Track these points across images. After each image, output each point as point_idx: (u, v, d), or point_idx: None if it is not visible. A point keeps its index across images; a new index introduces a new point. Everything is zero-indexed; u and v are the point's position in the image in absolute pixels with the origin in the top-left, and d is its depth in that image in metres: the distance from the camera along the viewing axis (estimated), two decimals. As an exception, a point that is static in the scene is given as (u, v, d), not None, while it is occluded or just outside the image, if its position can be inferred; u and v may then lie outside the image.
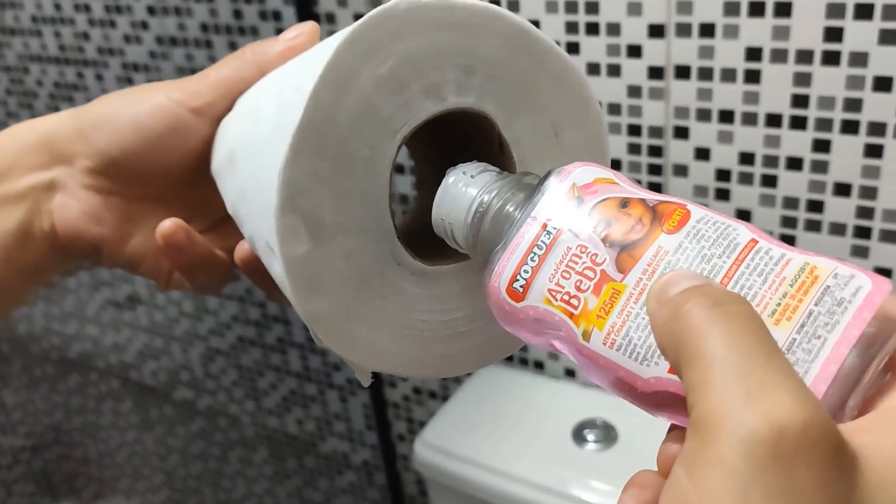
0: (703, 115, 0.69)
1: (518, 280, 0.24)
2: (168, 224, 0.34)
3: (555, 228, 0.24)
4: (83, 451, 1.70)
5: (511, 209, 0.26)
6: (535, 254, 0.24)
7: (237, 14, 0.93)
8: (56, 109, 1.21)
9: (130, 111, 0.35)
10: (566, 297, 0.24)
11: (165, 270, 0.38)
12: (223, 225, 0.38)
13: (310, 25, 0.35)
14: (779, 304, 0.21)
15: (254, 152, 0.30)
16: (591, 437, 0.81)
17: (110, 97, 0.36)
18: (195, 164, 0.36)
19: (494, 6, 0.30)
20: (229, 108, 0.35)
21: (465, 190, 0.27)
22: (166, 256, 0.35)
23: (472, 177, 0.27)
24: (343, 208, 0.28)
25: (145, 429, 1.53)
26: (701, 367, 0.19)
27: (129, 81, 1.09)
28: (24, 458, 1.77)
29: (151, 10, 1.00)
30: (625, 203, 0.24)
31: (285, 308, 1.10)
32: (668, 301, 0.20)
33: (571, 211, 0.24)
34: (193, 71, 0.99)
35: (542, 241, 0.24)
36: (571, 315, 0.24)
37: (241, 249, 0.34)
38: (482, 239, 0.27)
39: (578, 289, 0.23)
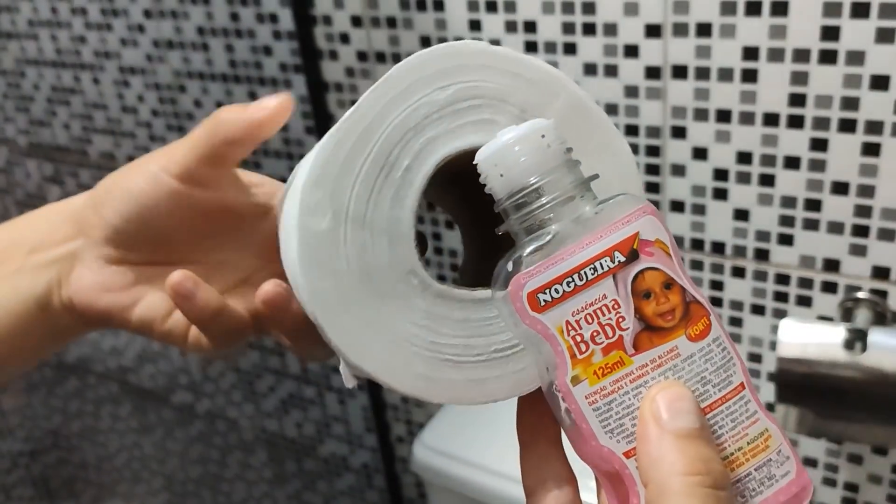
0: (701, 115, 0.69)
1: (544, 294, 0.25)
2: (176, 274, 0.35)
3: (601, 268, 0.25)
4: (81, 455, 1.69)
5: (564, 215, 0.25)
6: (572, 280, 0.25)
7: (234, 17, 0.93)
8: (53, 114, 1.21)
9: (126, 183, 0.37)
10: (578, 339, 0.25)
11: (180, 331, 0.39)
12: (241, 287, 0.40)
13: (276, 101, 0.35)
14: (732, 454, 0.24)
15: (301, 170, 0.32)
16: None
17: (116, 172, 0.39)
18: (201, 228, 0.38)
19: (561, 73, 0.32)
20: (210, 173, 0.37)
21: (533, 158, 0.26)
22: (177, 307, 0.36)
23: (548, 145, 0.26)
24: (371, 204, 0.30)
25: (144, 432, 1.53)
26: None
27: (126, 84, 1.09)
28: (22, 462, 1.77)
29: (148, 14, 1.00)
30: (669, 284, 0.25)
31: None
32: (670, 440, 0.23)
33: (623, 262, 0.25)
34: (190, 74, 1.00)
35: (584, 272, 0.25)
36: (574, 356, 0.25)
37: (264, 289, 0.35)
38: (523, 216, 0.26)
39: (593, 339, 0.25)
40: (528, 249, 0.25)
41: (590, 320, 0.25)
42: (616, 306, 0.25)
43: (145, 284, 0.39)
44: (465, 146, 0.31)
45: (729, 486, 0.24)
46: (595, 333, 0.25)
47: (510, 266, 0.25)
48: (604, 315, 0.25)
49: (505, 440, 0.83)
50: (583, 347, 0.25)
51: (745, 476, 0.24)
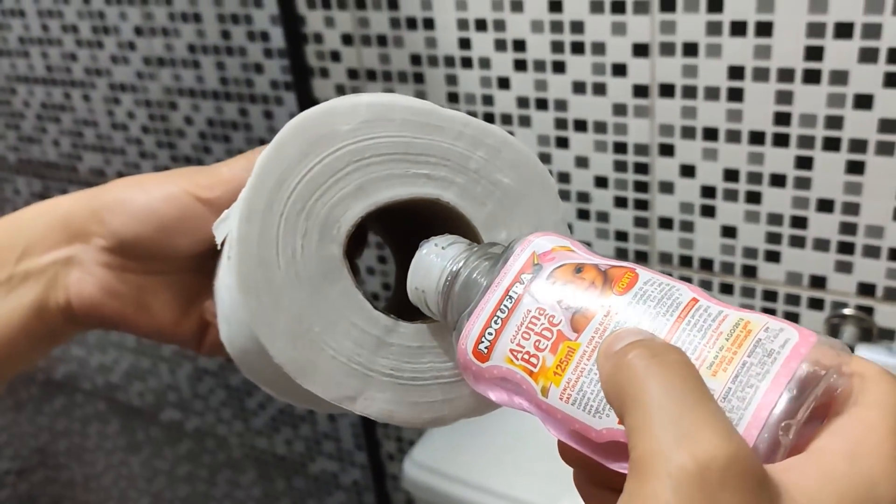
0: (688, 133, 0.70)
1: (483, 342, 0.27)
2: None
3: (516, 293, 0.26)
4: (69, 473, 1.68)
5: (477, 277, 0.28)
6: (498, 317, 0.26)
7: (225, 34, 0.93)
8: (43, 130, 1.21)
9: (144, 198, 0.37)
10: (526, 357, 0.26)
11: (189, 336, 0.40)
12: None
13: None
14: (716, 357, 0.23)
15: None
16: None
17: (126, 181, 0.38)
18: (208, 245, 0.38)
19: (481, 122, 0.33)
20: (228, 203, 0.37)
21: (436, 260, 0.30)
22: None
23: (442, 248, 0.30)
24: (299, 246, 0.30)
25: (132, 451, 1.52)
26: (639, 412, 0.21)
27: (116, 102, 1.09)
28: (9, 481, 1.75)
29: (139, 31, 1.01)
30: (579, 268, 0.26)
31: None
32: (613, 354, 0.23)
33: (531, 277, 0.27)
34: (181, 91, 1.00)
35: (504, 306, 0.26)
36: (531, 373, 0.25)
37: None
38: (452, 305, 0.29)
39: (537, 348, 0.25)
40: (461, 322, 0.28)
41: (527, 336, 0.26)
42: (542, 312, 0.26)
43: (151, 292, 0.39)
44: (389, 200, 0.31)
45: (678, 351, 0.22)
46: (537, 342, 0.26)
47: (453, 340, 0.28)
48: (536, 324, 0.26)
49: (496, 458, 0.83)
50: (534, 361, 0.25)
51: (741, 368, 0.22)
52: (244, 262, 0.29)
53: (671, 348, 0.22)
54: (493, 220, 0.33)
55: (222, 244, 0.33)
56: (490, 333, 0.26)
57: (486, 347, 0.26)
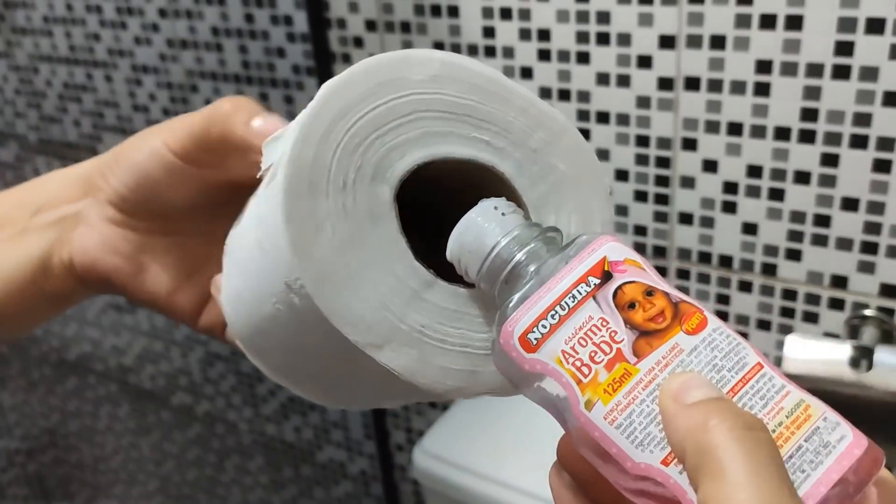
0: (712, 127, 0.69)
1: (534, 332, 0.25)
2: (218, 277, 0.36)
3: (580, 294, 0.25)
4: (78, 455, 1.69)
5: (532, 260, 0.27)
6: (556, 312, 0.25)
7: (248, 18, 0.93)
8: (64, 111, 1.21)
9: (134, 154, 0.37)
10: (578, 364, 0.25)
11: (186, 309, 0.40)
12: None
13: (280, 124, 0.35)
14: (773, 431, 0.23)
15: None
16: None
17: (127, 140, 0.39)
18: (201, 202, 0.38)
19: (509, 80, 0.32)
20: (209, 158, 0.36)
21: (491, 228, 0.28)
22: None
23: (502, 214, 0.28)
24: (350, 181, 0.29)
25: (141, 434, 1.52)
26: (724, 484, 0.20)
27: (138, 83, 1.10)
28: (18, 461, 1.76)
29: (163, 13, 1.01)
30: (650, 292, 0.25)
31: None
32: (691, 407, 0.22)
33: (599, 283, 0.26)
34: (203, 74, 1.00)
35: (565, 303, 0.25)
36: (579, 382, 0.25)
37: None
38: (499, 279, 0.28)
39: (592, 359, 0.25)
40: (509, 303, 0.26)
41: (584, 343, 0.25)
42: (605, 323, 0.25)
43: (150, 254, 0.39)
44: (447, 155, 0.31)
45: (768, 430, 0.22)
46: (593, 353, 0.25)
47: (497, 324, 0.27)
48: (596, 335, 0.25)
49: (506, 448, 0.83)
50: (585, 371, 0.25)
51: (796, 450, 0.22)
52: (292, 184, 0.28)
53: (759, 423, 0.22)
54: (544, 202, 0.32)
55: (262, 175, 0.32)
56: (544, 326, 0.25)
57: (535, 339, 0.25)
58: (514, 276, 0.28)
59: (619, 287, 0.26)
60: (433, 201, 0.34)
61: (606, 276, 0.26)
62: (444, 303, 0.30)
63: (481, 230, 0.28)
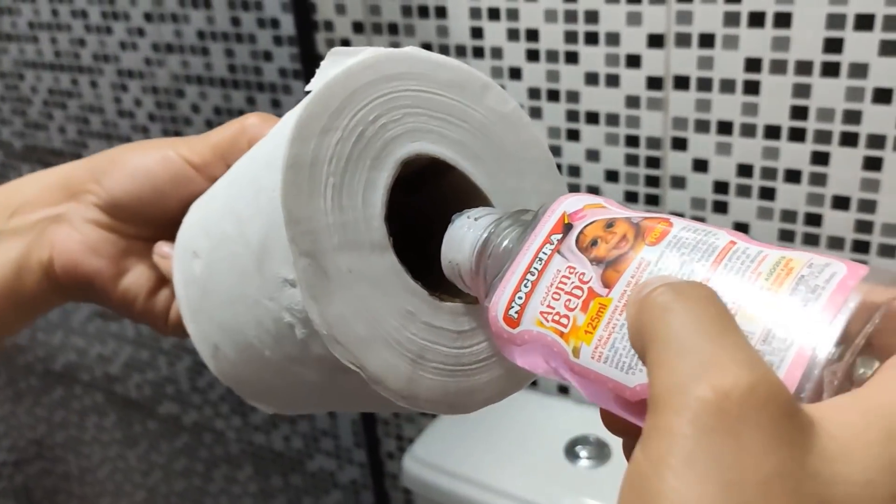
0: (702, 127, 0.69)
1: (513, 307, 0.26)
2: (162, 243, 0.38)
3: (545, 255, 0.25)
4: (65, 466, 1.67)
5: (508, 243, 0.28)
6: (528, 280, 0.25)
7: (235, 21, 0.92)
8: (49, 116, 1.20)
9: (140, 159, 0.38)
10: (556, 318, 0.24)
11: (160, 312, 0.40)
12: None
13: None
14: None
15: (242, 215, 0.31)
16: (583, 453, 0.79)
17: (125, 146, 0.39)
18: None
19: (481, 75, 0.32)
20: (222, 168, 0.38)
21: (468, 232, 0.29)
22: (163, 272, 0.37)
23: (475, 219, 0.29)
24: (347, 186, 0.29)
25: (128, 444, 1.50)
26: (659, 347, 0.19)
27: (124, 88, 1.08)
28: (5, 472, 1.74)
29: (148, 17, 1.00)
30: (610, 223, 0.25)
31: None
32: (639, 300, 0.21)
33: (561, 237, 0.26)
34: (189, 78, 0.99)
35: (534, 268, 0.25)
36: (562, 334, 0.24)
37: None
38: (484, 275, 0.28)
39: (567, 308, 0.24)
40: (493, 286, 0.27)
41: (557, 296, 0.25)
42: (572, 270, 0.25)
43: (133, 257, 0.39)
44: (416, 151, 0.30)
45: (704, 286, 0.21)
46: (567, 302, 0.24)
47: (484, 309, 0.27)
48: (566, 284, 0.25)
49: (497, 455, 0.82)
50: (564, 321, 0.24)
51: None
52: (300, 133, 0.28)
53: (696, 284, 0.21)
54: (503, 189, 0.32)
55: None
56: (520, 298, 0.25)
57: (516, 312, 0.25)
58: (495, 264, 0.28)
59: (580, 231, 0.25)
60: (420, 205, 0.33)
61: (567, 228, 0.26)
62: (442, 323, 0.30)
63: (461, 239, 0.29)
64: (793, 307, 0.20)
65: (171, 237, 0.39)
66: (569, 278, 0.25)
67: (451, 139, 0.31)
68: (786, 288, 0.21)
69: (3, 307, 0.39)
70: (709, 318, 0.19)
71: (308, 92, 0.29)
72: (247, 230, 0.29)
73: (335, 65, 0.29)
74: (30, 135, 1.26)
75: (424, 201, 0.33)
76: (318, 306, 0.27)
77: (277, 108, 0.94)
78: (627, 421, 0.23)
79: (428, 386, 0.29)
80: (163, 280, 0.40)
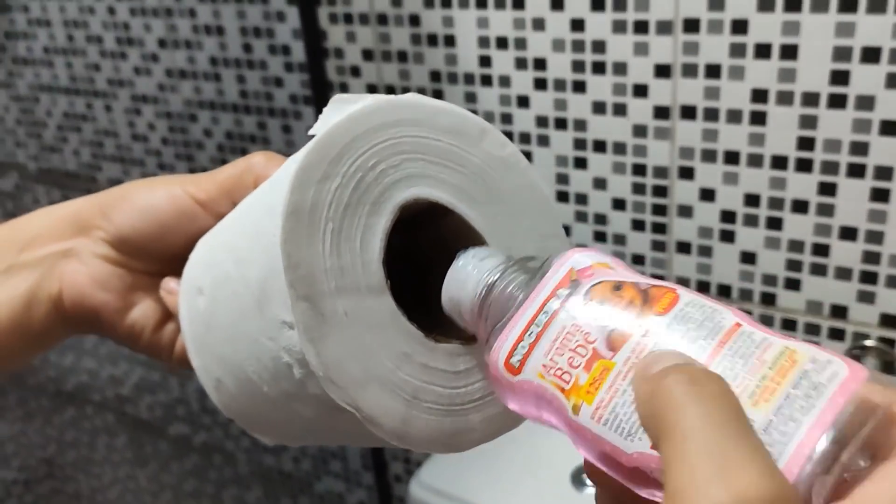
0: (709, 156, 0.69)
1: (515, 355, 0.26)
2: (169, 279, 0.38)
3: (552, 308, 0.26)
4: (75, 485, 1.67)
5: (513, 289, 0.28)
6: (532, 331, 0.26)
7: (247, 48, 0.94)
8: (64, 140, 1.22)
9: (148, 196, 0.39)
10: (559, 373, 0.25)
11: (166, 346, 0.40)
12: None
13: None
14: (758, 386, 0.22)
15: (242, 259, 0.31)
16: (589, 481, 0.79)
17: (134, 182, 0.40)
18: None
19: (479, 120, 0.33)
20: (228, 205, 0.38)
21: (473, 272, 0.29)
22: (169, 307, 0.38)
23: (480, 260, 0.29)
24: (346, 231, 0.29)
25: (139, 464, 1.51)
26: (675, 441, 0.20)
27: (137, 113, 1.10)
28: (16, 492, 1.75)
29: (162, 43, 1.02)
30: (618, 286, 0.25)
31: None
32: (651, 378, 0.21)
33: (568, 292, 0.26)
34: (201, 104, 1.00)
35: (539, 320, 0.26)
36: (563, 389, 0.25)
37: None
38: (486, 317, 0.28)
39: (571, 365, 0.25)
40: (496, 332, 0.27)
41: (561, 352, 0.25)
42: (577, 328, 0.25)
43: (140, 291, 0.39)
44: (416, 195, 0.31)
45: (721, 381, 0.21)
46: (570, 359, 0.25)
47: (485, 353, 0.27)
48: (570, 341, 0.25)
49: (503, 480, 0.82)
50: (566, 378, 0.25)
51: (784, 399, 0.21)
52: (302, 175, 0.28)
53: (712, 375, 0.21)
54: (499, 233, 0.33)
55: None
56: (523, 347, 0.26)
57: (518, 361, 0.26)
58: (498, 309, 0.28)
59: (588, 290, 0.26)
60: (416, 249, 0.34)
61: (575, 285, 0.26)
62: (438, 363, 0.30)
63: (465, 279, 0.29)
64: (795, 401, 0.21)
65: (177, 272, 0.39)
66: (573, 336, 0.25)
67: (449, 183, 0.32)
68: (789, 381, 0.21)
69: (12, 339, 0.39)
70: (726, 416, 0.20)
71: (311, 136, 0.30)
72: (247, 272, 0.30)
73: (337, 112, 0.30)
74: (45, 158, 1.27)
75: (422, 242, 0.34)
76: (314, 349, 0.27)
77: (288, 134, 0.95)
78: (609, 480, 0.24)
79: (422, 426, 0.30)
80: (168, 314, 0.40)
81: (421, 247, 0.34)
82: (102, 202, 0.39)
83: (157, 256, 0.39)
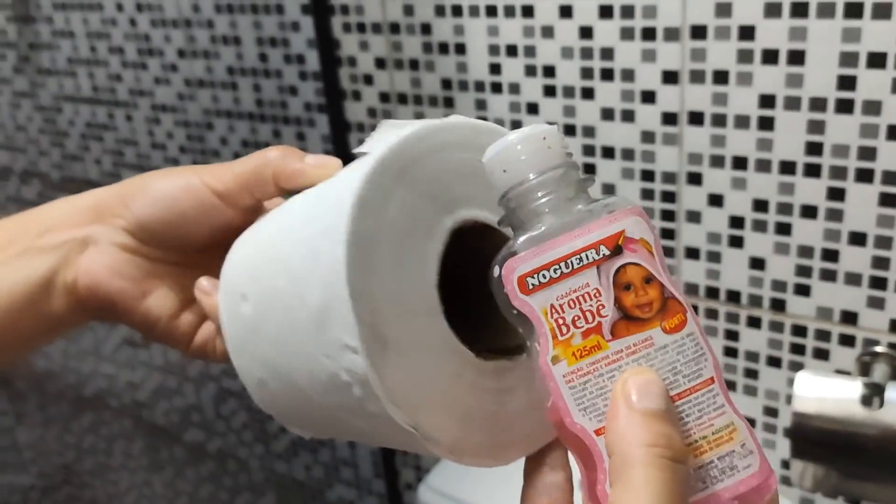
0: (717, 162, 0.69)
1: (534, 277, 0.27)
2: (204, 279, 0.38)
3: (588, 259, 0.26)
4: (92, 492, 1.68)
5: (558, 208, 0.27)
6: (559, 268, 0.26)
7: (262, 57, 0.95)
8: (87, 149, 1.24)
9: (166, 185, 0.39)
10: (560, 321, 0.26)
11: (182, 335, 0.41)
12: None
13: (335, 161, 0.38)
14: (696, 441, 0.26)
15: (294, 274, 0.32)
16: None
17: (153, 172, 0.40)
18: (218, 240, 0.40)
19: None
20: (246, 198, 0.39)
21: (532, 158, 0.28)
22: (205, 309, 0.38)
23: (548, 147, 0.28)
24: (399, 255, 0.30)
25: (154, 470, 1.52)
26: (629, 493, 0.24)
27: (157, 122, 1.12)
28: (33, 497, 1.76)
29: (181, 53, 1.04)
30: (649, 279, 0.27)
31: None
32: (637, 414, 0.25)
33: (608, 254, 0.27)
34: (218, 112, 1.02)
35: (570, 261, 0.26)
36: (555, 337, 0.26)
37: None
38: (521, 211, 0.28)
39: (573, 323, 0.26)
40: (522, 239, 0.27)
41: (572, 305, 0.26)
42: (597, 294, 0.26)
43: (156, 280, 0.40)
44: (471, 218, 0.32)
45: (688, 462, 0.25)
46: (576, 318, 0.26)
47: (505, 252, 0.27)
48: (585, 301, 0.26)
49: (511, 485, 0.81)
50: (564, 330, 0.26)
51: (707, 463, 0.26)
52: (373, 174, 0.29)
53: (682, 457, 0.25)
54: None
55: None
56: (543, 276, 0.26)
57: (533, 284, 0.27)
58: (535, 213, 0.28)
59: (623, 266, 0.27)
60: (461, 263, 0.35)
61: (616, 251, 0.27)
62: (486, 382, 0.31)
63: (524, 154, 0.28)
64: (713, 469, 0.26)
65: (196, 263, 0.40)
66: (590, 298, 0.26)
67: (493, 203, 0.32)
68: (717, 452, 0.26)
69: (27, 322, 0.40)
70: (675, 497, 0.24)
71: (356, 154, 0.31)
72: (305, 291, 0.31)
73: (387, 136, 0.31)
74: (67, 166, 1.30)
75: (466, 259, 0.34)
76: (378, 374, 0.28)
77: (302, 141, 0.97)
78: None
79: (474, 442, 0.31)
80: (186, 304, 0.41)
81: (463, 263, 0.34)
82: (122, 191, 0.40)
83: (175, 246, 0.40)
